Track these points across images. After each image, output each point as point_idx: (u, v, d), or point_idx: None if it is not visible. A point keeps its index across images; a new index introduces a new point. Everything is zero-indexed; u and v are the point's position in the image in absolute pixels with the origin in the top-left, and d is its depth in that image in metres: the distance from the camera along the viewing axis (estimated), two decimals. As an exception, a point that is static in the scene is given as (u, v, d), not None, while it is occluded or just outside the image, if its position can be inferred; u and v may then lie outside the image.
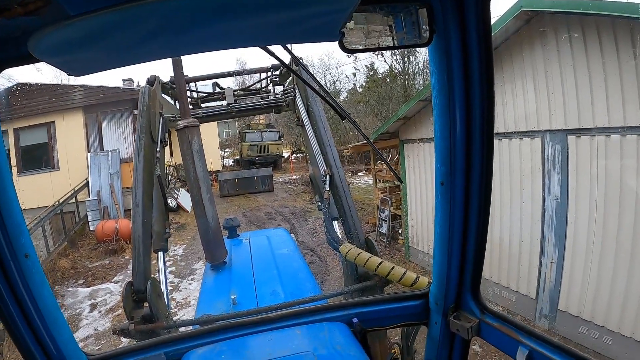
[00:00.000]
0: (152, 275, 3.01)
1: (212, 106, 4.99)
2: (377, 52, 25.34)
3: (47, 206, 13.60)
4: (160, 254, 3.44)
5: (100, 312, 9.70)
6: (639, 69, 5.06)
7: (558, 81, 6.11)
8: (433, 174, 1.74)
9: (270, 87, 5.12)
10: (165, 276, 3.37)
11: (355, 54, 15.92)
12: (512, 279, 7.63)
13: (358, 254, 2.79)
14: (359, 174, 26.76)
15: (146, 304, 2.87)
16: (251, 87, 5.26)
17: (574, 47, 5.85)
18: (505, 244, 7.63)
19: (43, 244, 12.22)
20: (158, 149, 3.60)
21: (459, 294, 1.93)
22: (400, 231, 12.63)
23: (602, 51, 5.44)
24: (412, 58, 27.93)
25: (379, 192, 13.66)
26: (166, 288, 3.25)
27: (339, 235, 3.45)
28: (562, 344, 1.55)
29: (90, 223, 15.63)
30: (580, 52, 5.73)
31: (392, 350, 2.54)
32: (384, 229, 13.08)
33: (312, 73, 3.39)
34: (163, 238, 3.47)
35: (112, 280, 11.35)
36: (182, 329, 2.49)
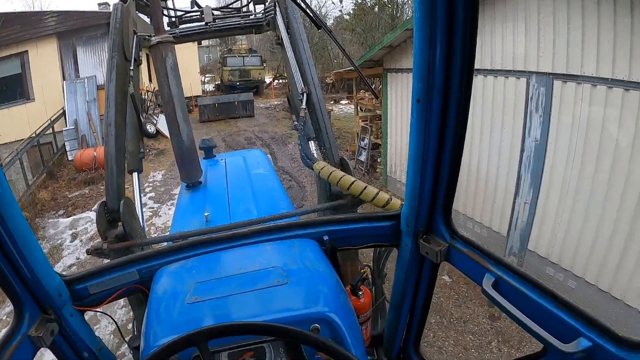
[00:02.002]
0: (126, 196, 2.98)
1: (188, 26, 4.75)
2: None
3: (24, 139, 13.21)
4: (135, 174, 3.40)
5: (81, 240, 9.79)
6: (634, 27, 4.91)
7: (550, 25, 5.93)
8: (410, 113, 1.66)
9: (251, 6, 4.87)
10: (140, 197, 3.36)
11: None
12: (485, 215, 7.83)
13: (331, 172, 2.77)
14: (341, 102, 26.56)
15: (120, 224, 2.85)
16: (231, 6, 5.00)
17: None
18: (481, 180, 7.76)
19: (22, 177, 12.05)
20: (132, 68, 3.44)
21: (430, 217, 1.93)
22: (379, 160, 12.75)
23: (599, 2, 5.24)
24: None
25: (360, 121, 13.62)
26: (141, 209, 3.24)
27: (314, 153, 3.42)
28: (527, 274, 1.56)
29: (68, 153, 15.39)
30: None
31: (362, 271, 2.58)
32: (362, 157, 13.20)
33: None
34: (137, 158, 3.41)
35: (92, 209, 11.31)
36: (154, 247, 2.49)
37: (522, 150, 6.79)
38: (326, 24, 2.65)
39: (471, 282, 5.81)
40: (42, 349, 1.77)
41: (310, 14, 2.66)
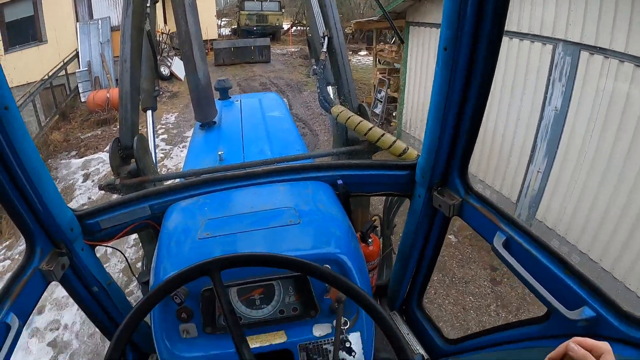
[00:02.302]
0: (139, 132, 2.98)
1: None
2: None
3: (36, 81, 13.10)
4: (149, 112, 3.38)
5: (93, 181, 9.91)
6: None
7: None
8: (435, 61, 1.60)
9: None
10: (154, 134, 3.35)
11: None
12: (497, 180, 7.74)
13: (349, 117, 2.73)
14: (360, 53, 25.93)
15: (133, 161, 2.86)
16: None
17: None
18: (496, 143, 7.61)
19: (34, 119, 12.06)
20: (148, 5, 3.36)
21: (446, 170, 1.91)
22: (394, 114, 12.54)
23: None
24: None
25: (378, 73, 13.26)
26: (154, 146, 3.25)
27: (333, 98, 3.37)
28: (539, 237, 1.55)
29: (81, 94, 15.32)
30: None
31: (373, 218, 2.58)
32: (378, 110, 12.96)
33: None
34: (152, 96, 3.39)
35: (105, 150, 11.37)
36: (167, 183, 2.50)
37: (541, 118, 6.58)
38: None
39: (476, 244, 5.88)
40: (52, 283, 1.80)
41: None
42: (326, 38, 3.32)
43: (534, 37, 6.57)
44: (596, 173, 5.67)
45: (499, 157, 7.62)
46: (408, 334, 2.70)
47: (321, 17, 3.45)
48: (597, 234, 5.74)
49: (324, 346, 1.64)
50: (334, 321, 1.64)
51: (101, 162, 10.71)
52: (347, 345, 1.60)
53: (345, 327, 1.62)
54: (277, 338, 1.65)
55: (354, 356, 1.61)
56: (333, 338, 1.61)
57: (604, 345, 0.93)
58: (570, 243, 6.19)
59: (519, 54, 6.86)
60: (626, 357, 1.22)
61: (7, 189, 1.51)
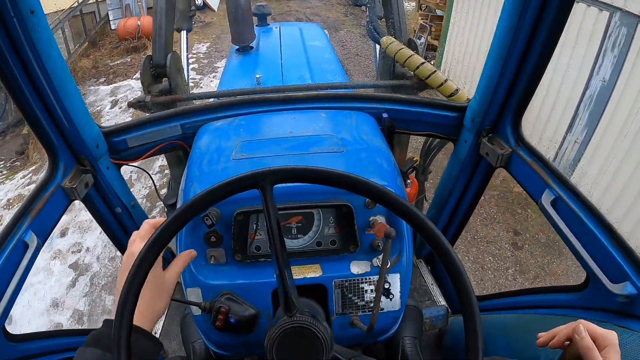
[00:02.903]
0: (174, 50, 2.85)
1: None
2: None
3: (65, 9, 12.86)
4: (184, 32, 3.26)
5: (120, 107, 9.94)
6: None
7: None
8: (483, 11, 1.42)
9: None
10: (187, 55, 3.24)
11: None
12: (531, 142, 7.44)
13: (400, 49, 2.56)
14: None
15: (165, 79, 2.76)
16: None
17: None
18: (536, 104, 7.26)
19: (64, 47, 11.92)
20: None
21: (499, 116, 1.79)
22: (433, 63, 12.10)
23: None
24: None
25: (420, 18, 12.69)
26: (187, 67, 3.13)
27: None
28: (590, 201, 1.45)
29: (111, 22, 15.04)
30: None
31: (415, 159, 2.46)
32: (417, 57, 12.54)
33: None
34: (187, 16, 3.24)
35: (134, 77, 11.33)
36: (200, 103, 2.40)
37: (587, 87, 6.23)
38: None
39: (502, 205, 5.75)
40: (74, 203, 1.76)
41: None
42: None
43: (591, 1, 6.12)
44: (636, 153, 5.42)
45: (537, 119, 7.32)
46: (432, 284, 2.64)
47: None
48: (629, 210, 5.57)
49: (361, 285, 1.53)
50: (374, 259, 1.55)
51: (129, 89, 10.69)
52: (386, 286, 1.52)
53: (387, 268, 1.51)
54: (312, 272, 1.53)
55: (391, 299, 1.53)
56: (370, 277, 1.52)
57: (611, 335, 0.88)
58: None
59: (572, 17, 6.35)
60: None
61: (30, 100, 1.43)
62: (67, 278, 5.36)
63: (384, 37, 2.81)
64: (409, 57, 2.48)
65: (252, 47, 4.09)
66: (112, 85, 11.01)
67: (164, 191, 5.67)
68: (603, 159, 5.95)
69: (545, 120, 7.12)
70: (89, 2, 14.39)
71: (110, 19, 15.12)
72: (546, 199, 1.57)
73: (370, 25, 3.13)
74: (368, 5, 3.16)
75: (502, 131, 1.80)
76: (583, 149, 6.35)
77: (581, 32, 6.32)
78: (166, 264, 1.21)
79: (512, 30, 1.46)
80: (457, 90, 2.27)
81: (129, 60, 12.65)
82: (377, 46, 3.38)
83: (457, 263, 0.92)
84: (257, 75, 3.30)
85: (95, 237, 5.89)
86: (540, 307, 1.75)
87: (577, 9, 6.33)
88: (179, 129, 2.06)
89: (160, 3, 2.82)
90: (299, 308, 1.07)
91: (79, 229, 6.08)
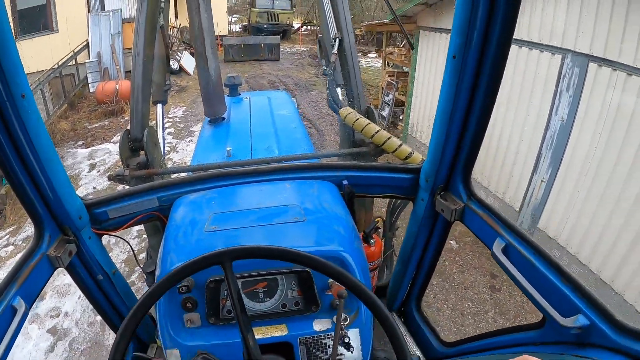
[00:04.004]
0: (150, 125, 3.02)
1: None
2: None
3: (46, 70, 13.16)
4: (159, 105, 3.43)
5: (99, 171, 9.99)
6: None
7: (594, 5, 5.61)
8: (444, 67, 1.64)
9: None
10: (163, 128, 3.39)
11: None
12: (500, 187, 7.78)
13: (357, 119, 2.77)
14: (369, 55, 26.08)
15: (142, 152, 2.91)
16: None
17: None
18: (501, 151, 7.64)
19: (43, 108, 12.15)
20: (162, 0, 3.41)
21: (449, 175, 1.94)
22: (401, 117, 12.60)
23: None
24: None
25: (387, 76, 13.31)
26: (163, 139, 3.28)
27: (341, 99, 3.41)
28: (538, 244, 1.58)
29: (90, 85, 15.43)
30: None
31: (376, 219, 2.62)
32: (385, 113, 13.05)
33: None
34: (162, 90, 3.44)
35: (111, 141, 11.50)
36: (175, 176, 2.54)
37: (547, 128, 6.61)
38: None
39: (477, 250, 5.91)
40: (57, 270, 1.82)
41: None
42: (337, 40, 3.34)
43: (544, 47, 6.60)
44: (599, 185, 5.69)
45: (502, 165, 7.66)
46: (405, 335, 2.73)
47: (333, 19, 3.47)
48: (597, 245, 5.75)
49: (324, 341, 1.70)
50: (334, 317, 1.69)
51: (107, 152, 10.81)
52: (346, 340, 1.66)
53: (345, 323, 1.68)
54: (279, 331, 1.71)
55: (352, 351, 1.67)
56: (332, 333, 1.67)
57: None
58: (570, 253, 6.21)
59: (528, 62, 6.89)
60: None
61: (19, 176, 1.55)
62: (46, 343, 5.24)
63: (342, 109, 3.02)
64: (365, 126, 2.69)
65: (224, 118, 4.29)
66: (90, 149, 11.13)
67: (142, 256, 5.68)
68: (569, 195, 6.22)
69: (511, 164, 7.44)
70: (69, 64, 14.72)
71: (89, 81, 15.49)
72: (497, 246, 1.69)
73: (329, 97, 3.36)
74: (328, 75, 3.38)
75: (455, 188, 1.95)
76: (549, 188, 6.63)
77: (537, 76, 6.77)
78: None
79: (453, 96, 1.64)
80: (411, 153, 2.47)
81: (106, 123, 12.84)
82: None
83: (393, 325, 1.07)
84: (228, 148, 3.48)
85: (74, 302, 5.81)
86: (504, 347, 1.84)
87: (531, 55, 6.83)
88: (156, 202, 2.19)
89: (137, 79, 3.01)
90: (259, 358, 1.27)
91: (57, 293, 6.00)
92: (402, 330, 2.76)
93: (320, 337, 1.70)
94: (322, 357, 1.69)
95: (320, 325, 1.73)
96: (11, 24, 14.64)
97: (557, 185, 6.48)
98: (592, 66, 5.74)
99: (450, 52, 1.58)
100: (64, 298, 5.91)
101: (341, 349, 1.66)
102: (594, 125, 5.74)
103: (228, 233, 1.79)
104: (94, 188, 9.15)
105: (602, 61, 5.58)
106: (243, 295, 1.72)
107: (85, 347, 5.20)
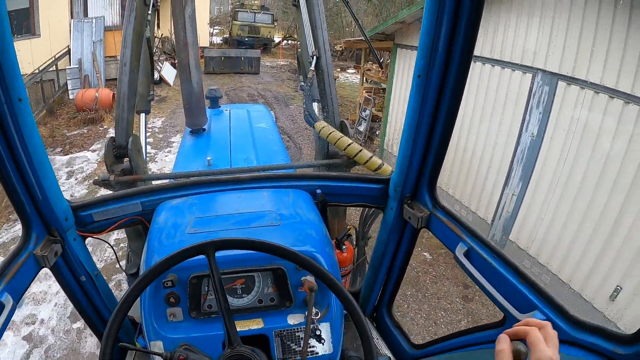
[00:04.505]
0: (134, 133, 3.12)
1: None
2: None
3: (26, 74, 12.99)
4: (143, 115, 3.54)
5: (77, 179, 9.88)
6: None
7: (563, 26, 5.94)
8: (410, 88, 1.80)
9: None
10: (145, 136, 3.49)
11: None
12: (473, 201, 8.02)
13: (331, 132, 2.93)
14: (348, 70, 26.40)
15: (126, 159, 3.01)
16: None
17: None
18: (474, 166, 7.91)
19: (22, 114, 11.96)
20: (149, 12, 3.51)
21: (416, 185, 2.09)
22: (377, 133, 12.85)
23: (614, 12, 5.25)
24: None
25: (364, 91, 13.64)
26: (145, 148, 3.38)
27: (317, 113, 3.57)
28: (497, 247, 1.72)
29: (70, 92, 15.23)
30: (593, 5, 5.52)
31: (348, 227, 2.77)
32: (362, 128, 13.29)
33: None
34: (146, 100, 3.55)
35: (90, 149, 11.41)
36: (158, 182, 2.65)
37: (518, 143, 6.91)
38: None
39: (449, 261, 6.08)
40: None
41: None
42: (315, 57, 3.51)
43: (515, 66, 6.91)
44: (568, 198, 5.96)
45: (475, 179, 7.91)
46: (377, 339, 2.85)
47: (311, 37, 3.65)
48: (567, 255, 6.02)
49: (297, 333, 1.86)
50: (307, 311, 1.83)
51: (86, 160, 10.71)
52: (318, 333, 1.83)
53: (317, 318, 1.84)
54: (255, 324, 1.86)
55: (323, 343, 1.84)
56: (304, 327, 1.81)
57: (532, 322, 1.04)
58: (541, 264, 6.45)
59: (500, 81, 7.19)
60: (573, 356, 1.37)
61: (12, 176, 1.62)
62: (21, 350, 5.17)
63: (317, 122, 3.19)
64: (339, 139, 2.86)
65: (204, 129, 4.43)
66: (68, 156, 11.00)
67: (122, 262, 5.70)
68: (539, 208, 6.48)
69: (483, 178, 7.70)
70: (50, 69, 14.57)
71: (69, 88, 15.32)
72: (460, 250, 1.83)
73: (306, 111, 3.52)
74: (305, 90, 3.57)
75: (421, 197, 2.10)
76: (520, 201, 6.89)
77: (509, 94, 7.06)
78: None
79: (418, 112, 1.80)
80: (381, 164, 2.64)
81: (85, 131, 12.73)
82: None
83: (362, 320, 1.23)
84: (208, 158, 3.64)
85: (50, 309, 5.75)
86: (470, 345, 1.98)
87: (503, 74, 7.13)
88: (139, 206, 2.29)
89: (123, 88, 3.12)
90: (239, 342, 1.43)
91: (33, 300, 5.93)
92: (374, 333, 2.88)
93: (294, 330, 1.86)
94: (296, 349, 1.83)
95: (293, 319, 1.88)
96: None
97: (527, 199, 6.75)
98: (561, 84, 6.05)
99: (416, 72, 1.74)
100: (39, 305, 5.85)
101: (313, 341, 1.82)
102: (562, 141, 6.03)
103: (209, 235, 1.93)
104: (71, 195, 9.05)
105: (571, 80, 5.89)
106: None
107: (61, 354, 5.16)
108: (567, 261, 6.02)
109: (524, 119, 6.77)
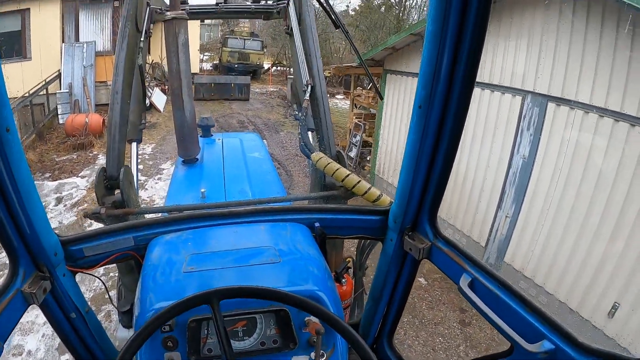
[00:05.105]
0: (125, 164, 3.05)
1: (198, 5, 4.79)
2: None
3: (16, 98, 12.94)
4: (134, 144, 3.47)
5: (65, 205, 9.75)
6: (632, 62, 5.10)
7: (551, 48, 6.09)
8: (410, 108, 1.77)
9: None
10: (137, 166, 3.42)
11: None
12: (466, 224, 8.04)
13: (328, 164, 2.89)
14: (337, 96, 26.66)
15: (117, 191, 2.92)
16: None
17: (575, 21, 5.77)
18: (467, 189, 7.95)
19: (11, 137, 11.88)
20: (142, 39, 3.49)
21: (417, 215, 2.04)
22: (368, 158, 12.92)
23: (601, 33, 5.40)
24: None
25: (354, 117, 13.71)
26: (136, 178, 3.30)
27: (312, 144, 3.54)
28: (501, 277, 1.67)
29: (59, 116, 15.18)
30: (580, 27, 5.68)
31: (347, 260, 2.71)
32: (353, 154, 13.33)
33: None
34: (138, 129, 3.49)
35: (79, 175, 11.30)
36: (151, 216, 2.58)
37: (510, 165, 6.96)
38: (344, 24, 2.76)
39: (445, 286, 6.03)
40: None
41: (331, 14, 2.75)
42: (309, 86, 3.48)
43: (505, 89, 7.03)
44: (561, 218, 5.99)
45: (468, 202, 7.93)
46: None
47: (306, 66, 3.63)
48: (563, 275, 6.01)
49: None
50: (312, 353, 1.76)
51: (75, 187, 10.58)
52: None
53: (322, 359, 1.73)
54: None
55: None
56: None
57: None
58: (537, 284, 6.44)
59: (490, 104, 7.29)
60: None
61: None
62: (8, 382, 5.02)
63: (314, 154, 3.16)
64: (336, 170, 2.83)
65: (197, 159, 4.36)
66: (57, 182, 10.86)
67: (112, 292, 5.55)
68: (533, 229, 6.50)
69: (476, 201, 7.72)
70: (40, 93, 14.50)
71: (59, 112, 15.25)
72: (464, 281, 1.78)
73: (301, 142, 3.49)
74: (300, 120, 3.53)
75: (422, 228, 2.05)
76: (514, 223, 6.90)
77: (499, 117, 7.16)
78: None
79: (419, 142, 1.76)
80: (380, 195, 2.60)
81: (75, 157, 12.63)
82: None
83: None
84: (202, 190, 3.55)
85: (38, 340, 5.56)
86: None
87: (494, 97, 7.25)
88: (132, 241, 2.20)
89: (115, 117, 3.05)
90: None
91: (20, 330, 5.74)
92: None
93: None
94: None
95: None
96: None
97: (521, 220, 6.77)
98: (551, 106, 6.16)
99: (417, 103, 1.71)
100: (26, 336, 5.66)
101: None
102: (554, 162, 6.10)
103: (206, 274, 1.84)
104: (60, 222, 8.91)
105: (560, 100, 6.00)
106: None
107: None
108: (564, 281, 6.02)
109: (515, 141, 6.84)
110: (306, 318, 1.79)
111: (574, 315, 5.82)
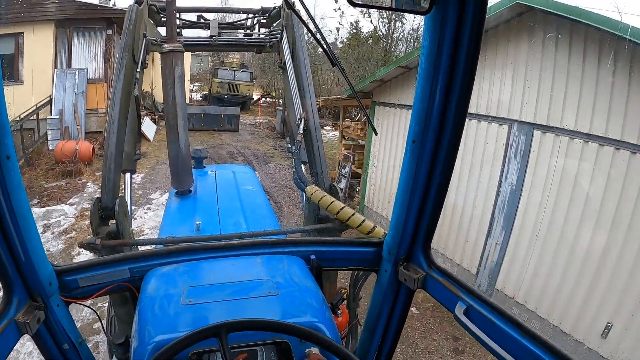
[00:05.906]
0: (120, 195, 3.06)
1: (192, 37, 4.89)
2: (365, 11, 24.99)
3: None
4: (128, 174, 3.48)
5: (53, 233, 9.59)
6: (614, 87, 5.29)
7: (536, 77, 6.30)
8: (399, 139, 1.83)
9: (256, 27, 5.04)
10: (131, 196, 3.42)
11: (358, 8, 15.70)
12: (457, 253, 8.10)
13: (323, 197, 2.94)
14: (326, 128, 26.89)
15: (112, 221, 2.92)
16: (237, 23, 5.15)
17: (558, 50, 6.00)
18: (456, 218, 8.03)
19: (-1, 161, 11.75)
20: (138, 70, 3.54)
21: (411, 246, 2.08)
22: (357, 190, 12.97)
23: (584, 61, 5.61)
24: (398, 24, 27.37)
25: (343, 149, 13.83)
26: (130, 208, 3.31)
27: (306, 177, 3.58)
28: (496, 304, 1.70)
29: (49, 142, 15.05)
30: (563, 56, 5.90)
31: (342, 291, 2.72)
32: (342, 185, 13.36)
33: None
34: (132, 159, 3.51)
35: (68, 202, 11.17)
36: (147, 248, 2.58)
37: (498, 193, 7.07)
38: (340, 62, 2.84)
39: (437, 315, 6.04)
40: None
41: (329, 53, 2.84)
42: (302, 120, 3.55)
43: (492, 119, 7.21)
44: (551, 243, 6.08)
45: (458, 231, 7.99)
46: None
47: (299, 100, 3.70)
48: (555, 299, 6.05)
49: None
50: None
51: (63, 214, 10.44)
52: None
53: None
54: None
55: None
56: None
57: None
58: (529, 310, 6.46)
59: (477, 133, 7.45)
60: None
61: None
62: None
63: (308, 187, 3.20)
64: (331, 203, 2.87)
65: (190, 191, 4.38)
66: (45, 209, 10.71)
67: (97, 325, 5.44)
68: (523, 255, 6.56)
69: (466, 229, 7.79)
70: (30, 118, 14.41)
71: (48, 138, 15.13)
72: (459, 309, 1.80)
73: (296, 175, 3.54)
74: (294, 153, 3.55)
75: (416, 259, 2.08)
76: (504, 250, 6.97)
77: (487, 146, 7.31)
78: None
79: (413, 176, 1.81)
80: (374, 227, 2.65)
81: (63, 184, 12.49)
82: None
83: None
84: (197, 222, 3.57)
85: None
86: None
87: (480, 127, 7.41)
88: (127, 273, 2.19)
89: (110, 147, 3.07)
90: None
91: (8, 358, 5.58)
92: None
93: None
94: None
95: None
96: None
97: (511, 247, 6.84)
98: (537, 133, 6.33)
99: (410, 137, 1.77)
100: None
101: None
102: (541, 188, 6.23)
103: (206, 306, 1.85)
104: (48, 251, 8.76)
105: (546, 128, 6.17)
106: None
107: None
108: (556, 304, 6.05)
109: (502, 169, 6.97)
110: (307, 350, 1.80)
111: (568, 337, 5.85)
